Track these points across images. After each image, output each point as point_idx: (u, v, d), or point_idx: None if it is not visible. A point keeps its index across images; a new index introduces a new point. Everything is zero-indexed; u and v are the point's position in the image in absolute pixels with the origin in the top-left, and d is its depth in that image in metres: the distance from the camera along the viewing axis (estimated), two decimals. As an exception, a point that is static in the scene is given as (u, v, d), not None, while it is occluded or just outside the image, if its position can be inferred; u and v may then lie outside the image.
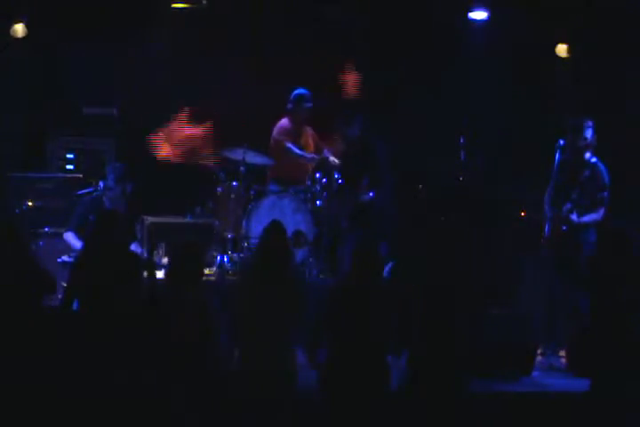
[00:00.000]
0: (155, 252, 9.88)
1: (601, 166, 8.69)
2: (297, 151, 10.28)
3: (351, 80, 11.55)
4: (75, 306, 7.01)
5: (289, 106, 10.38)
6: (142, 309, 6.75)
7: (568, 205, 8.62)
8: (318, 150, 10.44)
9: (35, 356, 6.58)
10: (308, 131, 10.55)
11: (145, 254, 9.32)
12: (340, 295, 6.71)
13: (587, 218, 8.61)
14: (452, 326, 6.61)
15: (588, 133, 8.69)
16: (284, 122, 10.47)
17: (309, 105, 10.34)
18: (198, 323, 6.61)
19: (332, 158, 10.19)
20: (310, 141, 10.51)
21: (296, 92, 10.37)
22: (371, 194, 9.81)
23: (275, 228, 6.95)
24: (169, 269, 6.87)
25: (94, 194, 9.30)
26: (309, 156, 10.31)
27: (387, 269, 9.78)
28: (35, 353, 6.59)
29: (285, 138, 10.34)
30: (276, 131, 10.46)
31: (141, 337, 6.66)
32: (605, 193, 8.64)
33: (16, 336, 6.61)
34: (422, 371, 6.59)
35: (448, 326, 6.60)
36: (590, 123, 8.70)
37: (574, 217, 8.58)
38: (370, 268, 6.73)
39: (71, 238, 9.08)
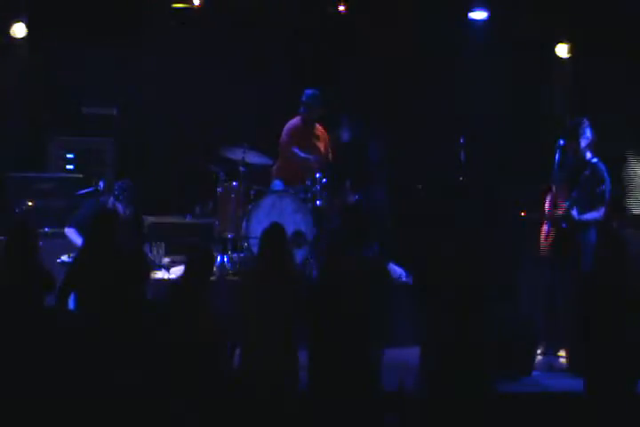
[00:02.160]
0: (155, 252, 9.93)
1: (601, 166, 8.67)
2: (301, 155, 10.24)
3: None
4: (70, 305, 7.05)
5: (302, 107, 10.34)
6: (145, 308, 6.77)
7: (568, 203, 8.61)
8: (328, 151, 10.42)
9: (35, 356, 6.58)
10: (319, 131, 10.48)
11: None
12: (319, 295, 6.74)
13: (587, 216, 8.60)
14: (476, 326, 6.60)
15: (588, 132, 8.68)
16: (295, 122, 10.43)
17: (321, 105, 10.31)
18: (207, 324, 6.64)
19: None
20: (321, 142, 10.44)
21: (308, 92, 10.30)
22: (355, 196, 9.77)
23: (274, 229, 6.97)
24: (186, 272, 6.88)
25: (101, 199, 9.29)
26: (313, 157, 10.26)
27: (399, 271, 9.79)
28: (35, 353, 6.59)
29: (294, 141, 10.29)
30: (285, 132, 10.40)
31: (143, 337, 6.67)
32: (606, 193, 8.63)
33: (18, 336, 6.61)
34: (443, 371, 6.57)
35: (472, 326, 6.58)
36: (587, 121, 8.69)
37: (575, 213, 8.56)
38: (341, 267, 6.77)
39: (73, 234, 9.10)
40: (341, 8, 11.48)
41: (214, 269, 7.08)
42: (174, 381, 6.57)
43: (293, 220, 9.69)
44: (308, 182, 10.11)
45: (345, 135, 9.80)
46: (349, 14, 11.53)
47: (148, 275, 7.12)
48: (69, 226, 9.17)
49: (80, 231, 8.96)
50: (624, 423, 6.47)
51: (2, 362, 6.56)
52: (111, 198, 9.15)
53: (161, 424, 6.55)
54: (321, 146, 10.40)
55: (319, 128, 10.46)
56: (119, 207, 9.04)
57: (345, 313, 6.65)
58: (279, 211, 9.79)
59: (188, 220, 10.90)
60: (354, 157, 9.82)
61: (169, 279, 9.29)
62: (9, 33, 10.98)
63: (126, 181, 9.28)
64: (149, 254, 9.74)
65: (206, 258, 6.90)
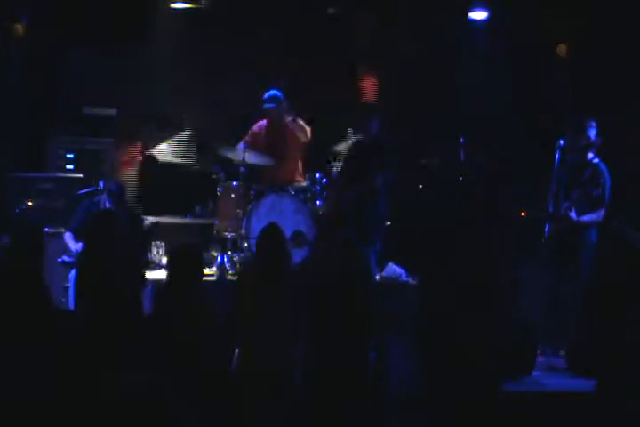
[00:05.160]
0: (155, 252, 9.94)
1: (603, 167, 8.66)
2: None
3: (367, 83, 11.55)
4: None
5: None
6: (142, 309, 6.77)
7: (566, 204, 8.61)
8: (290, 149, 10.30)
9: (37, 356, 6.57)
10: (287, 131, 10.31)
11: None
12: (319, 292, 6.74)
13: (586, 217, 8.59)
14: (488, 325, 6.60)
15: (592, 133, 8.66)
16: (258, 123, 10.43)
17: (270, 106, 10.20)
18: (199, 324, 6.63)
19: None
20: (282, 142, 10.30)
21: (266, 94, 10.23)
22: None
23: (271, 229, 6.97)
24: (169, 271, 6.87)
25: (94, 197, 9.30)
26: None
27: (399, 271, 9.77)
28: (37, 354, 6.58)
29: (247, 138, 10.29)
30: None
31: (141, 337, 6.67)
32: (606, 194, 8.62)
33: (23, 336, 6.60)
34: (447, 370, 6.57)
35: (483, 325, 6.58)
36: (594, 123, 8.67)
37: (573, 215, 8.56)
38: (352, 266, 6.77)
39: (68, 239, 9.15)
40: (331, 10, 11.49)
41: (201, 267, 7.04)
42: (172, 381, 6.56)
43: (293, 220, 9.69)
44: (307, 182, 10.11)
45: (373, 133, 9.64)
46: (348, 15, 11.54)
47: (142, 275, 7.11)
48: (67, 230, 9.23)
49: (77, 234, 9.01)
50: (626, 423, 6.46)
51: (4, 362, 6.55)
52: (103, 197, 9.18)
53: (160, 425, 6.55)
54: (283, 147, 10.27)
55: (287, 129, 10.28)
56: (99, 190, 9.09)
57: (341, 312, 6.66)
58: (279, 211, 9.80)
59: (188, 220, 10.90)
60: (377, 157, 9.67)
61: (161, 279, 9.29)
62: (9, 33, 10.98)
63: (114, 180, 9.33)
64: (149, 255, 9.77)
65: (190, 256, 6.88)
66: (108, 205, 9.06)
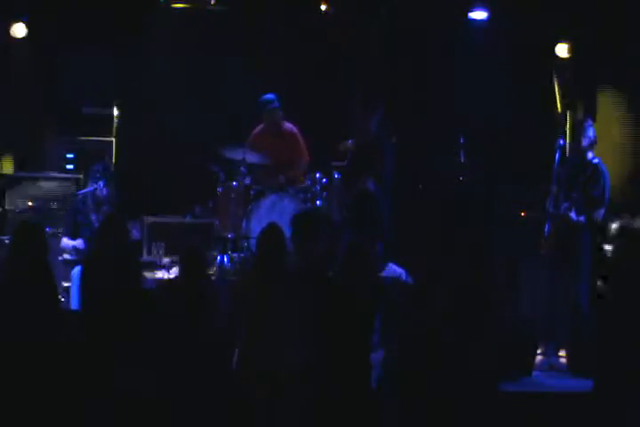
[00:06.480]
0: (155, 252, 9.93)
1: (602, 167, 8.67)
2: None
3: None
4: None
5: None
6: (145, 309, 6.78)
7: (566, 204, 8.62)
8: (292, 157, 10.33)
9: (39, 356, 6.58)
10: (287, 136, 10.38)
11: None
12: (326, 293, 6.75)
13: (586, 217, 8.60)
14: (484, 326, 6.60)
15: (590, 132, 8.67)
16: (257, 128, 10.45)
17: (272, 106, 10.25)
18: (206, 322, 6.65)
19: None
20: (284, 148, 10.35)
21: (262, 98, 10.27)
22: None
23: (271, 229, 6.98)
24: (180, 272, 6.90)
25: (80, 196, 9.29)
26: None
27: (399, 271, 9.77)
28: (40, 353, 6.59)
29: (250, 143, 10.30)
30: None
31: (145, 337, 6.68)
32: (606, 194, 8.63)
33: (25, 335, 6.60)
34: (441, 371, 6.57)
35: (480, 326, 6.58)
36: (590, 121, 8.69)
37: (573, 215, 8.57)
38: (357, 267, 6.77)
39: (66, 242, 9.12)
40: (323, 7, 11.49)
41: (205, 267, 7.08)
42: (173, 381, 6.57)
43: (294, 220, 9.68)
44: (308, 182, 10.11)
45: (372, 125, 9.68)
46: (348, 14, 11.54)
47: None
48: (62, 236, 9.22)
49: (72, 236, 9.02)
50: (626, 423, 6.47)
51: (7, 360, 6.56)
52: (89, 187, 9.18)
53: (161, 424, 6.56)
54: (285, 152, 10.30)
55: (287, 134, 10.35)
56: (97, 189, 9.09)
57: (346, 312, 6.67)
58: (279, 211, 9.81)
59: (188, 220, 10.90)
60: (375, 154, 9.68)
61: (169, 279, 9.29)
62: (9, 33, 10.99)
63: (100, 163, 9.36)
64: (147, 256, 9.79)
65: (194, 257, 6.90)
66: (102, 189, 9.04)
